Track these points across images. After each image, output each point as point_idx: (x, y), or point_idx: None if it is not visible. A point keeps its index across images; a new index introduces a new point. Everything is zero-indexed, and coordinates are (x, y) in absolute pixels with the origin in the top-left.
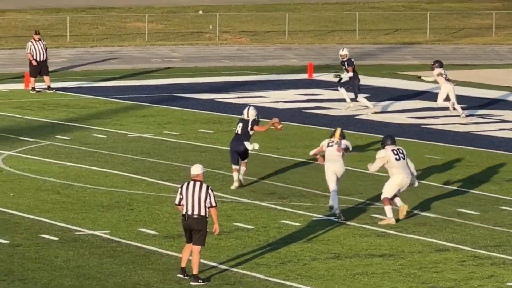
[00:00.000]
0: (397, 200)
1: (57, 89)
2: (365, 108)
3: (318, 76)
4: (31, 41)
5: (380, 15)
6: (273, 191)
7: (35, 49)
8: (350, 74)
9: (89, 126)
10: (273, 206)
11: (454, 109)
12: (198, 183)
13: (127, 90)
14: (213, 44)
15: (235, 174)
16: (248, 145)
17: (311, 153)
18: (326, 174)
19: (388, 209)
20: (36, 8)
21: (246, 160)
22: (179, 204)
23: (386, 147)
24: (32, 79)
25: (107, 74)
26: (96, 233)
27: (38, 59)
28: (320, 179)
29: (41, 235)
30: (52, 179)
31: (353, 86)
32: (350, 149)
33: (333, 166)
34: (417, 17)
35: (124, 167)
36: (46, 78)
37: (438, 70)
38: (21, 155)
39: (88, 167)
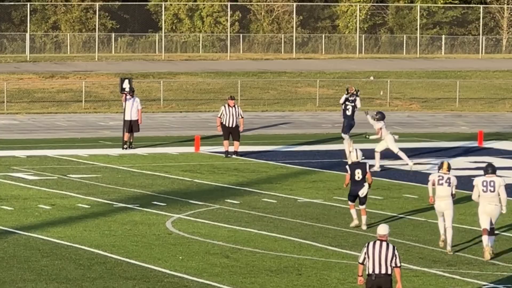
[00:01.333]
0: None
1: (233, 153)
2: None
3: (488, 144)
4: (224, 106)
5: None
6: (441, 258)
7: (226, 114)
8: None
9: (259, 191)
10: (441, 273)
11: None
12: (384, 243)
13: (297, 155)
14: (384, 110)
15: (353, 211)
16: (366, 188)
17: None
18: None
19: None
20: (207, 71)
21: (365, 206)
22: (362, 263)
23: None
24: (225, 142)
25: (278, 139)
26: None
27: (228, 125)
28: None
29: None
30: (221, 243)
31: None
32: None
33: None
34: None
35: (294, 232)
36: (236, 143)
37: (380, 124)
38: (191, 218)
39: (257, 231)
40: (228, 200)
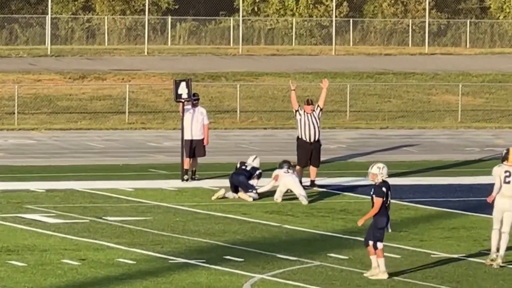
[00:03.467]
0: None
1: (320, 186)
2: None
3: None
4: (299, 111)
5: None
6: None
7: (304, 123)
8: None
9: None
10: None
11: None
12: None
13: (430, 190)
14: None
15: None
16: None
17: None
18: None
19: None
20: (303, 71)
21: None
22: None
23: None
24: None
25: (402, 167)
26: None
27: (307, 139)
28: None
29: None
30: None
31: None
32: None
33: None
34: None
35: None
36: (313, 170)
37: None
38: (279, 280)
39: None
40: (332, 255)
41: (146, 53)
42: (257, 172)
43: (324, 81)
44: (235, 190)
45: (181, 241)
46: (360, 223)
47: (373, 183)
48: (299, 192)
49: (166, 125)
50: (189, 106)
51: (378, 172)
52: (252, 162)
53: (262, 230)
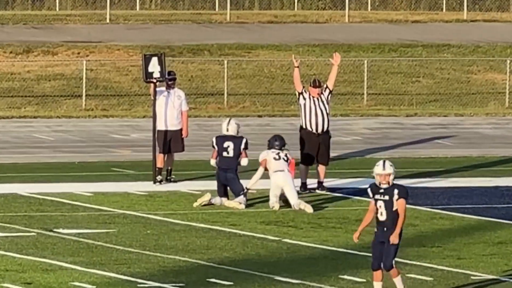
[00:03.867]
0: None
1: (330, 189)
2: None
3: None
4: (303, 94)
5: None
6: None
7: (308, 108)
8: None
9: (399, 259)
10: None
11: None
12: None
13: (470, 194)
14: None
15: None
16: None
17: None
18: None
19: None
20: (308, 43)
21: None
22: None
23: None
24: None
25: (434, 165)
26: None
27: (313, 129)
28: None
29: None
30: None
31: None
32: None
33: None
34: None
35: None
36: (321, 168)
37: None
38: None
39: None
40: (345, 277)
41: (108, 21)
42: (242, 144)
43: (336, 56)
44: (225, 192)
45: (153, 260)
46: (394, 240)
47: (385, 185)
48: (291, 197)
49: (133, 112)
50: (163, 88)
51: (393, 171)
52: (227, 131)
53: (257, 246)
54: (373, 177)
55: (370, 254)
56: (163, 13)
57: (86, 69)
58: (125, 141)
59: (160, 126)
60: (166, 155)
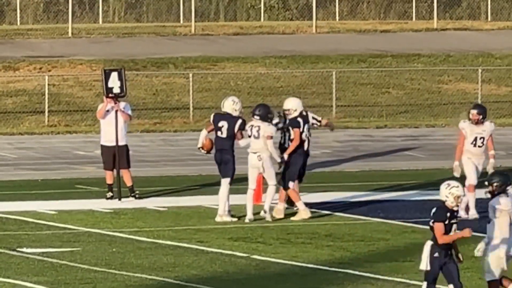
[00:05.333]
0: None
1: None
2: None
3: None
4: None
5: None
6: None
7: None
8: None
9: (373, 275)
10: None
11: None
12: None
13: None
14: None
15: None
16: None
17: None
18: None
19: None
20: (275, 55)
21: None
22: None
23: None
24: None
25: (405, 178)
26: None
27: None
28: None
29: None
30: None
31: None
32: None
33: None
34: None
35: None
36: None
37: None
38: None
39: None
40: None
41: (70, 35)
42: (237, 125)
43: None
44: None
45: (119, 279)
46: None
47: (456, 208)
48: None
49: (97, 127)
50: (112, 103)
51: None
52: (223, 107)
53: (225, 263)
54: (346, 189)
55: (341, 270)
56: (127, 26)
57: (49, 85)
58: (89, 158)
59: (104, 141)
60: (121, 172)
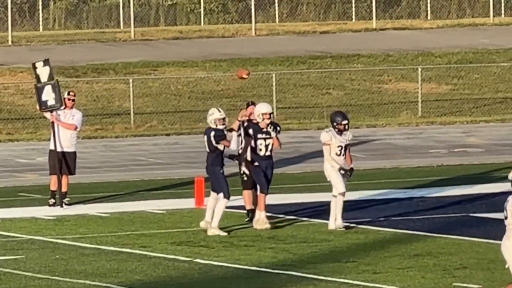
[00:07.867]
0: None
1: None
2: None
3: None
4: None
5: None
6: None
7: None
8: None
9: (316, 276)
10: None
11: None
12: None
13: (386, 208)
14: None
15: None
16: None
17: None
18: None
19: None
20: (214, 58)
21: None
22: None
23: None
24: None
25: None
26: None
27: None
28: None
29: None
30: None
31: None
32: None
33: None
34: None
35: None
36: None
37: None
38: None
39: None
40: None
41: (10, 43)
42: (211, 137)
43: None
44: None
45: (63, 285)
46: None
47: None
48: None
49: (39, 135)
50: (60, 111)
51: None
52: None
53: (168, 267)
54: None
55: (284, 272)
56: (67, 33)
57: None
58: (31, 165)
59: (52, 146)
60: (61, 177)
